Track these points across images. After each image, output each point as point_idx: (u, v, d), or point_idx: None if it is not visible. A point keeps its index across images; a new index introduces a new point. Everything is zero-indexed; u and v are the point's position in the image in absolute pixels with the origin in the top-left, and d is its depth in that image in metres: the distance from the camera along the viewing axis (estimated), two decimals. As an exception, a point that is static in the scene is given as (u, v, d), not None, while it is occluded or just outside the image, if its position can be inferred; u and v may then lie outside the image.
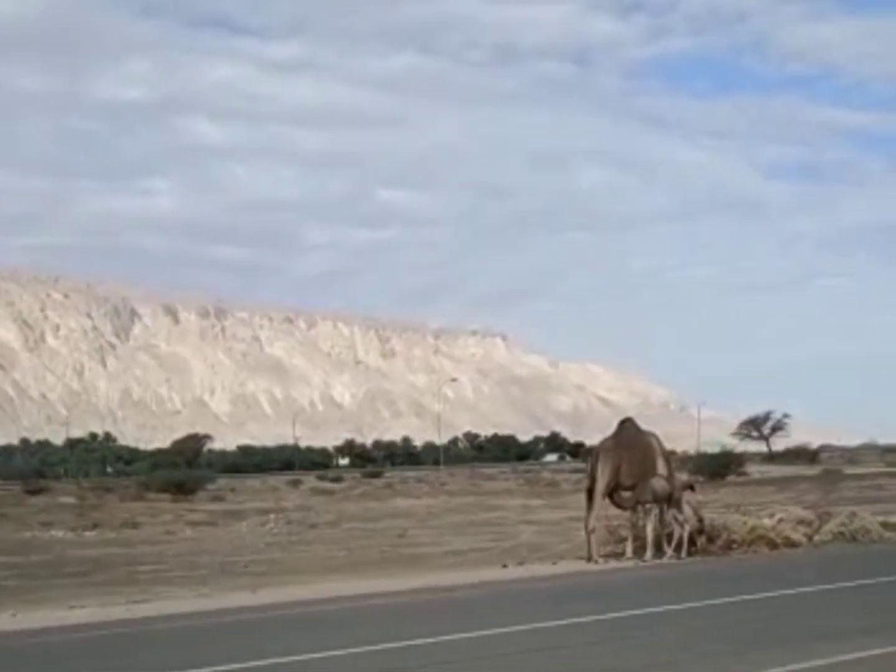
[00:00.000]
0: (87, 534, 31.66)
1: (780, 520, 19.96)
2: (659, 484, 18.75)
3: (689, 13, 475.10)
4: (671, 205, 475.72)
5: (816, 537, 19.95)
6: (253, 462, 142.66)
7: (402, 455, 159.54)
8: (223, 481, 79.83)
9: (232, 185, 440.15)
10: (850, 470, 66.95)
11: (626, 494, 19.01)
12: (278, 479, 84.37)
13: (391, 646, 10.82)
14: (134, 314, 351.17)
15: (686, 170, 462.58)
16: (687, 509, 19.03)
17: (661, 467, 19.10)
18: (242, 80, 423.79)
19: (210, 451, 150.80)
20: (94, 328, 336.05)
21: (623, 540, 19.25)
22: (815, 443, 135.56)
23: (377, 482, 74.63)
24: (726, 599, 13.35)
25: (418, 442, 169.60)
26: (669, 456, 19.83)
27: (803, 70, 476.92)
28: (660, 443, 19.69)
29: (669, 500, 18.72)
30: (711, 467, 61.22)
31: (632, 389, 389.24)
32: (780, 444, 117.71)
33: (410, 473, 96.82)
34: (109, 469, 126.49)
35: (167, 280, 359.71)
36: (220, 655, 10.48)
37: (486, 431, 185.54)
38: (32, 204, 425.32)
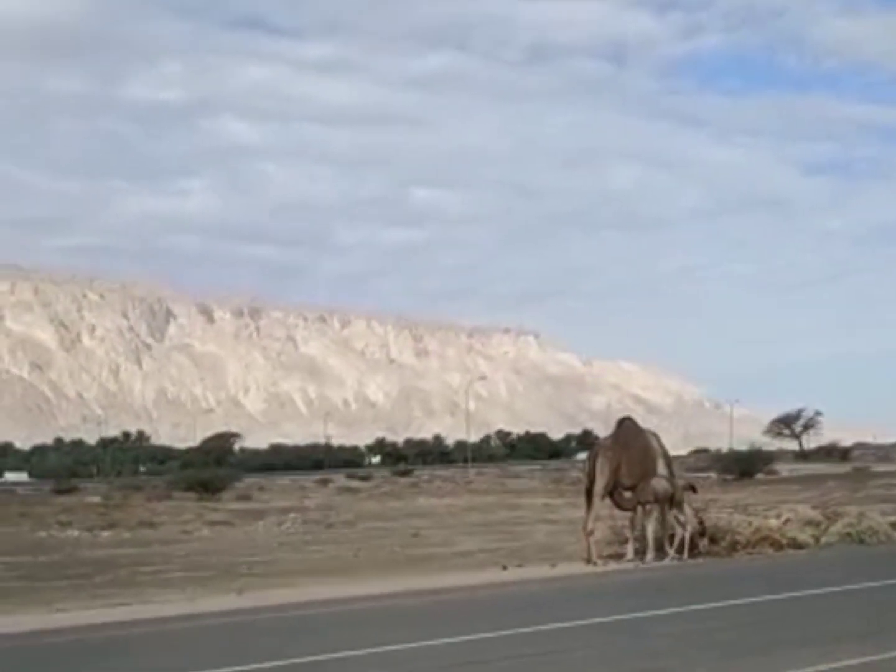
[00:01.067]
0: (103, 534, 31.66)
1: (787, 520, 19.55)
2: (660, 484, 18.41)
3: (725, 10, 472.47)
4: (704, 203, 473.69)
5: (823, 538, 19.49)
6: (284, 461, 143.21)
7: (433, 453, 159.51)
8: (253, 480, 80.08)
9: (266, 185, 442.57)
10: (880, 468, 66.07)
11: (627, 495, 18.68)
12: (308, 478, 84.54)
13: (331, 657, 10.41)
14: (169, 314, 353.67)
15: (719, 168, 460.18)
16: (687, 511, 18.69)
17: (662, 467, 18.75)
18: (276, 81, 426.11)
19: (242, 449, 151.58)
20: (130, 328, 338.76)
21: (627, 541, 18.91)
22: (849, 441, 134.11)
23: (403, 481, 74.53)
24: (719, 603, 12.99)
25: (451, 440, 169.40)
26: (670, 456, 19.48)
27: (837, 66, 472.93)
28: (660, 442, 19.34)
29: (671, 501, 18.37)
30: (740, 466, 60.61)
31: (665, 387, 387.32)
32: (812, 442, 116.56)
33: (440, 472, 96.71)
34: (142, 468, 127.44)
35: (202, 280, 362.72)
36: (148, 665, 10.28)
37: (519, 430, 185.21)
38: (68, 205, 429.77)
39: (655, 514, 18.49)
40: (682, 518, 18.45)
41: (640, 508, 18.76)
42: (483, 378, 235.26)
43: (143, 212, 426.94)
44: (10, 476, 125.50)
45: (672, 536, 18.48)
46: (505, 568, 18.49)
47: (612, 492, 18.66)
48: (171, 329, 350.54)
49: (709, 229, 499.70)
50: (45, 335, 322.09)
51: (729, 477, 59.19)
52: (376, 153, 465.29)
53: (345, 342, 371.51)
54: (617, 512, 19.54)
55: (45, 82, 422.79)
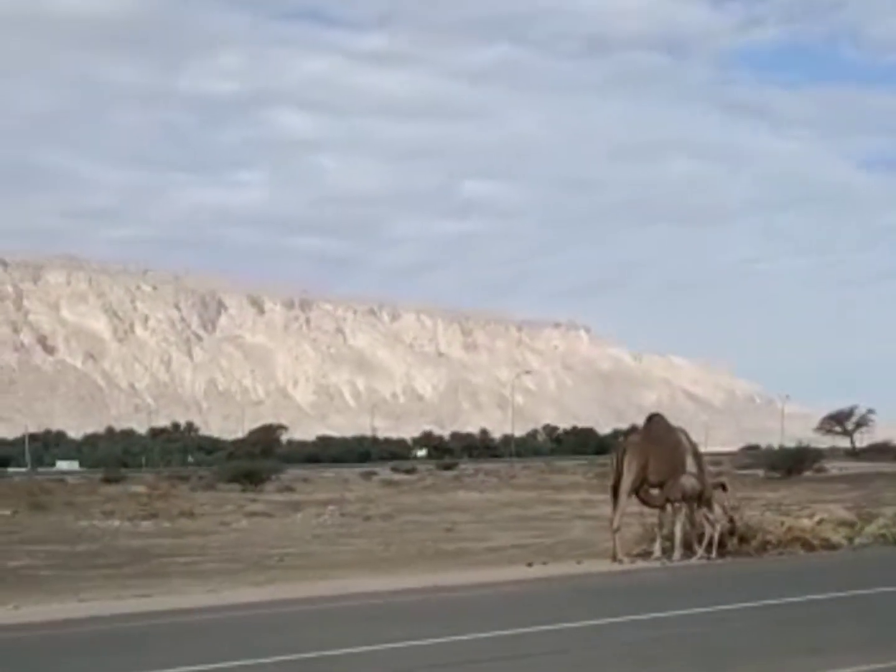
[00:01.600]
0: (143, 523, 31.97)
1: (821, 521, 19.20)
2: (689, 482, 18.14)
3: (783, 1, 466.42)
4: (759, 196, 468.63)
5: (857, 539, 19.08)
6: (331, 453, 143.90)
7: (479, 447, 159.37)
8: (298, 472, 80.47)
9: (320, 177, 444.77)
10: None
11: (654, 492, 18.46)
12: (353, 471, 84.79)
13: (303, 657, 10.21)
14: (220, 305, 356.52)
15: (775, 161, 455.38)
16: (717, 509, 18.42)
17: (691, 464, 18.47)
18: (332, 73, 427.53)
19: (290, 441, 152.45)
20: (182, 319, 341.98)
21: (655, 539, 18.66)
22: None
23: (446, 474, 74.50)
24: (729, 606, 12.54)
25: (498, 434, 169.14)
26: (700, 453, 19.21)
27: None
28: (690, 439, 19.06)
29: (699, 498, 18.12)
30: (786, 463, 59.87)
31: (716, 383, 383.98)
32: (866, 440, 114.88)
33: (485, 466, 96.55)
34: (190, 459, 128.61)
35: (253, 271, 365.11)
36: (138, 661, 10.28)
37: (567, 424, 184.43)
38: (123, 196, 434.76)
39: (683, 512, 18.24)
40: (710, 516, 18.19)
41: (668, 506, 18.53)
42: (528, 373, 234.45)
43: (198, 203, 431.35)
44: (62, 465, 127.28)
45: (701, 535, 18.24)
46: (530, 564, 18.36)
47: (638, 489, 18.45)
48: (223, 320, 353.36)
49: (764, 223, 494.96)
50: (99, 325, 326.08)
51: (775, 474, 58.50)
52: (430, 145, 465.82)
53: (394, 335, 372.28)
54: (648, 509, 19.30)
55: (105, 73, 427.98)
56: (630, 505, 18.72)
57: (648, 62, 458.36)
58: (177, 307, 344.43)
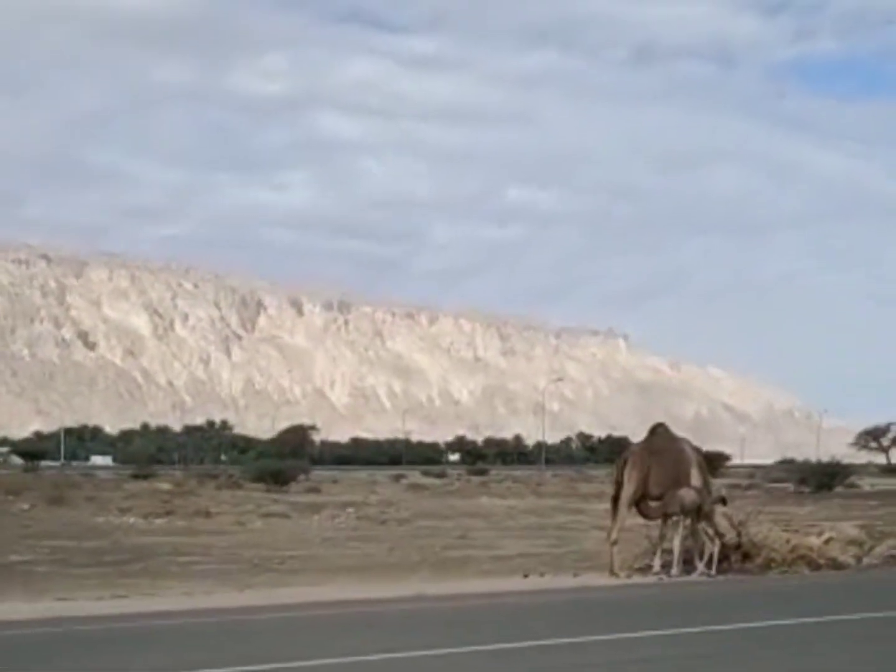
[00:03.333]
0: (158, 521, 31.87)
1: (829, 539, 18.63)
2: (689, 495, 17.64)
3: (837, 14, 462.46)
4: (808, 208, 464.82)
5: (866, 559, 18.48)
6: (363, 455, 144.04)
7: (513, 453, 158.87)
8: (328, 473, 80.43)
9: (363, 180, 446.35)
10: (966, 487, 63.67)
11: (654, 504, 17.99)
12: (384, 473, 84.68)
13: (254, 669, 9.83)
14: (260, 305, 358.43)
15: (824, 173, 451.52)
16: (723, 523, 17.92)
17: (696, 478, 17.95)
18: (379, 76, 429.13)
19: (323, 442, 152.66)
20: (222, 318, 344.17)
21: (664, 552, 18.19)
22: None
23: (474, 480, 74.18)
24: (710, 627, 11.84)
25: (532, 441, 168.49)
26: (705, 465, 18.70)
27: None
28: (695, 451, 18.59)
29: (699, 512, 17.62)
30: (817, 478, 58.88)
31: (755, 395, 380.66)
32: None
33: (516, 472, 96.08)
34: (223, 457, 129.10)
35: (294, 273, 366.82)
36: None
37: (602, 433, 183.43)
38: (167, 195, 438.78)
39: (683, 526, 17.76)
40: (710, 531, 17.70)
41: (669, 520, 18.05)
42: (560, 379, 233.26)
43: (241, 203, 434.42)
44: (97, 459, 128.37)
45: (703, 550, 17.75)
46: (526, 576, 17.95)
47: (639, 501, 18.00)
48: (262, 320, 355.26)
49: (810, 236, 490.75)
50: (140, 322, 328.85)
51: (805, 489, 57.59)
52: (474, 150, 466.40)
53: (432, 339, 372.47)
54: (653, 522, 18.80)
55: (153, 72, 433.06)
56: (633, 517, 18.27)
57: (698, 72, 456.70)
58: (217, 306, 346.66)
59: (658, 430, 18.63)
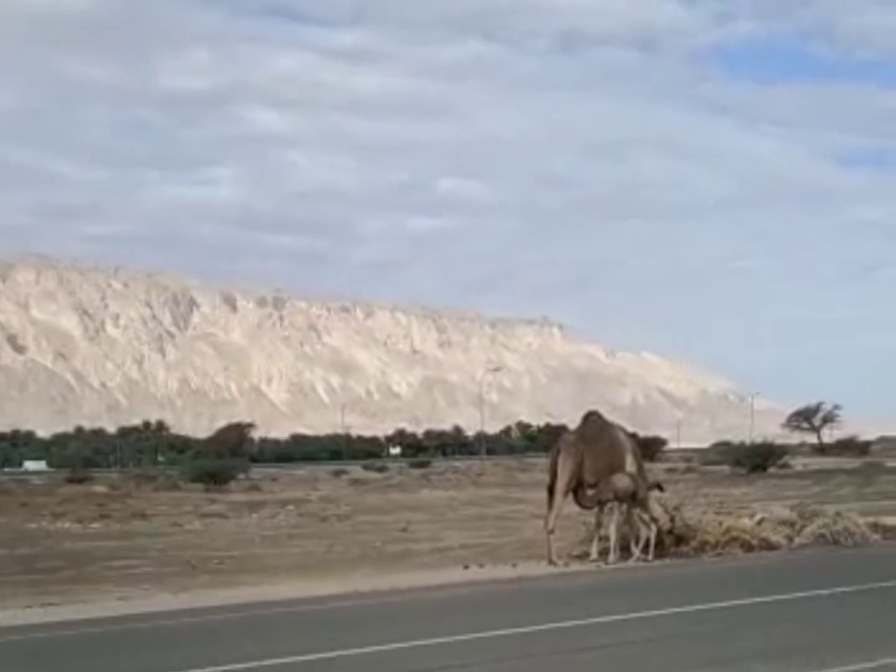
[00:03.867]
0: (94, 525, 31.42)
1: (761, 520, 18.93)
2: (621, 482, 17.78)
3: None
4: (733, 193, 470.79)
5: (797, 539, 18.78)
6: (304, 451, 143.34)
7: (453, 445, 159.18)
8: (269, 471, 79.91)
9: (292, 174, 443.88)
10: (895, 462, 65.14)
11: (590, 492, 18.11)
12: (325, 469, 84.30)
13: None
14: (193, 303, 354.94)
15: (749, 158, 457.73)
16: (657, 508, 18.09)
17: (631, 464, 18.11)
18: (304, 69, 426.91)
19: (263, 439, 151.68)
20: (154, 317, 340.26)
21: (601, 539, 18.32)
22: (874, 435, 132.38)
23: (415, 473, 74.21)
24: (640, 614, 11.92)
25: (473, 432, 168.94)
26: (639, 452, 18.86)
27: (870, 56, 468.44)
28: (629, 438, 18.76)
29: (633, 498, 17.77)
30: (751, 460, 59.87)
31: (690, 380, 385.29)
32: (835, 436, 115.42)
33: (458, 463, 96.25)
34: (161, 458, 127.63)
35: (226, 269, 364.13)
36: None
37: (542, 422, 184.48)
38: (94, 194, 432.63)
39: (618, 512, 17.91)
40: (645, 517, 17.86)
41: (604, 507, 18.18)
42: (497, 369, 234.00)
43: (169, 200, 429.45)
44: (30, 465, 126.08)
45: (638, 536, 17.92)
46: (467, 567, 17.98)
47: (576, 489, 18.10)
48: (195, 318, 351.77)
49: (737, 220, 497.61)
50: (70, 324, 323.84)
51: (741, 471, 58.50)
52: (403, 142, 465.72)
53: (368, 332, 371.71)
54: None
55: (75, 70, 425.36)
56: (569, 505, 18.36)
57: (621, 60, 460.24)
58: (148, 305, 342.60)
59: (591, 418, 18.75)
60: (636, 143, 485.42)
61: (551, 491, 17.97)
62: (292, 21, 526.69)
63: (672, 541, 18.14)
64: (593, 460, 17.85)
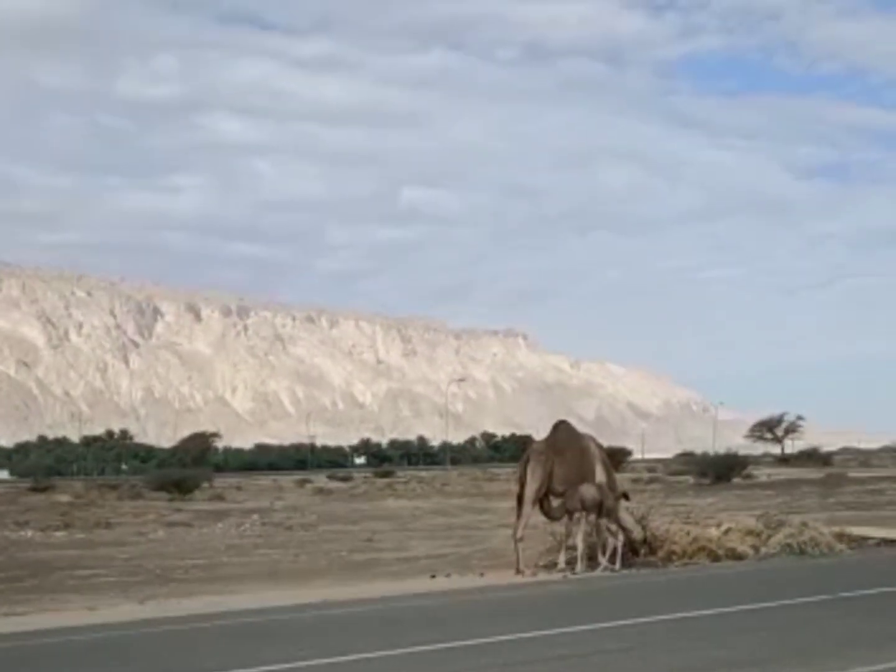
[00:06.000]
0: (57, 534, 31.13)
1: (728, 530, 19.04)
2: (588, 492, 17.82)
3: (721, 12, 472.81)
4: (697, 205, 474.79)
5: (763, 549, 18.89)
6: (268, 461, 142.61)
7: (418, 455, 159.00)
8: (233, 480, 79.40)
9: (257, 183, 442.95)
10: (858, 473, 65.62)
11: (556, 503, 18.14)
12: (289, 479, 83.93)
13: None
14: (157, 312, 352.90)
15: (713, 170, 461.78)
16: (629, 518, 18.14)
17: (600, 473, 18.18)
18: (269, 78, 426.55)
19: (227, 449, 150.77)
20: (117, 326, 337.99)
21: (569, 549, 18.34)
22: (836, 445, 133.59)
23: (380, 482, 73.99)
24: (606, 624, 11.89)
25: (438, 442, 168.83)
26: (608, 462, 18.91)
27: (834, 69, 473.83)
28: (599, 447, 18.82)
29: (600, 508, 17.81)
30: (715, 470, 60.15)
31: (654, 391, 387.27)
32: (798, 446, 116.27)
33: (423, 473, 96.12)
34: (124, 467, 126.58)
35: (190, 278, 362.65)
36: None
37: (507, 432, 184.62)
38: (58, 201, 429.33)
39: (586, 522, 17.93)
40: (613, 527, 17.91)
41: (573, 517, 18.19)
42: (462, 380, 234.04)
43: (133, 208, 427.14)
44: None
45: (605, 546, 17.96)
46: (433, 576, 17.99)
47: (543, 499, 18.12)
48: (159, 327, 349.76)
49: (702, 231, 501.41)
50: (33, 332, 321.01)
51: (705, 481, 58.75)
52: (369, 151, 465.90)
53: (333, 342, 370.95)
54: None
55: (39, 77, 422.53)
56: (537, 514, 18.37)
57: (587, 71, 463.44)
58: (112, 314, 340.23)
59: (561, 427, 18.78)
60: (602, 155, 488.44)
61: (520, 500, 17.99)
62: (259, 29, 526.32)
63: (644, 550, 18.21)
64: (563, 469, 17.87)
